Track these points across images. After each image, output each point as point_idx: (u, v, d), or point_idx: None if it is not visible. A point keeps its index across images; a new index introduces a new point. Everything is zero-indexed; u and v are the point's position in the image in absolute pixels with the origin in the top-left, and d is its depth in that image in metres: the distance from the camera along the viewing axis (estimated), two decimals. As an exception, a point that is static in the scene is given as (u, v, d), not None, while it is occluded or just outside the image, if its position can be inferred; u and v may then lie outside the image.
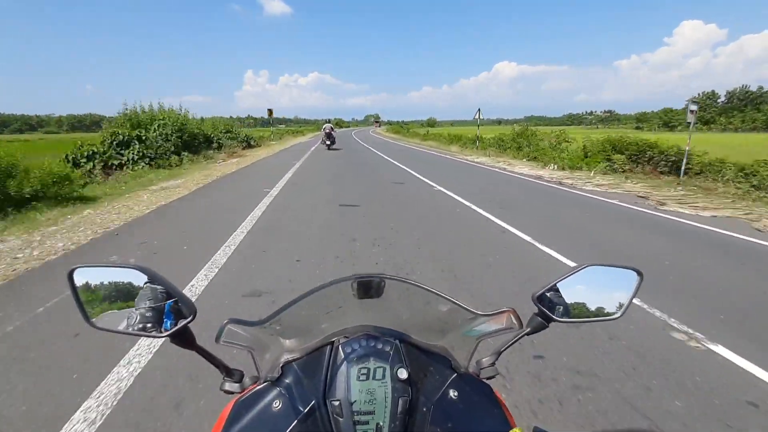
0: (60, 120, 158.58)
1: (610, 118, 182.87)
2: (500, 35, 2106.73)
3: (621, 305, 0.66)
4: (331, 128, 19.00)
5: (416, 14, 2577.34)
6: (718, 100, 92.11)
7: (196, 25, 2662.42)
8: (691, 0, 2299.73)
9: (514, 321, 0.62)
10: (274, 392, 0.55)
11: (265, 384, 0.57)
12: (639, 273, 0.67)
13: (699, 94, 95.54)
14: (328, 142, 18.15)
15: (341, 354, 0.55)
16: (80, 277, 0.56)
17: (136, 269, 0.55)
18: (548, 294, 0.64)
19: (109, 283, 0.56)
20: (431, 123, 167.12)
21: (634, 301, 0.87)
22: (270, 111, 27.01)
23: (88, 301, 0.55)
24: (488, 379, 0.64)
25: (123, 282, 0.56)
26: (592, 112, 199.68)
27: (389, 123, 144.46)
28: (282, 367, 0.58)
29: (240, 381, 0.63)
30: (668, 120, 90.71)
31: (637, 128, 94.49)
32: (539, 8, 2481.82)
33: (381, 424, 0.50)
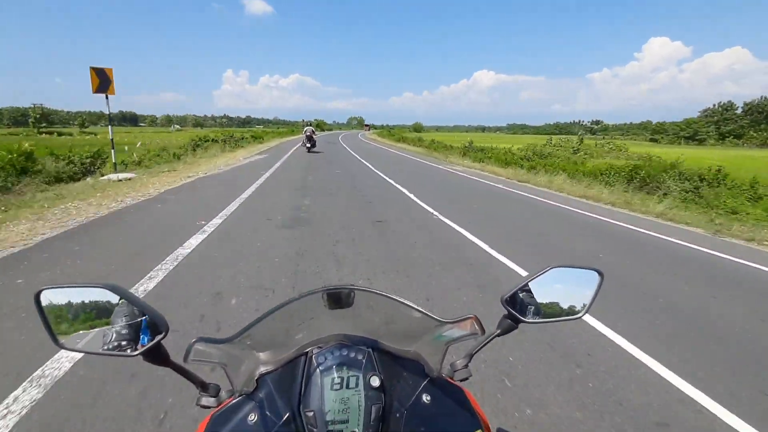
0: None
1: (598, 128, 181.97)
2: (479, 44, 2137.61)
3: (584, 304, 0.69)
4: (312, 131, 19.00)
5: (399, 20, 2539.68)
6: (735, 111, 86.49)
7: (174, 23, 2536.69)
8: (659, 18, 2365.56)
9: (477, 327, 0.64)
10: (250, 405, 0.56)
11: (240, 397, 0.58)
12: (600, 273, 0.70)
13: (714, 105, 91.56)
14: (308, 145, 18.28)
15: (314, 364, 0.56)
16: (48, 299, 0.55)
17: (106, 288, 0.54)
18: (517, 295, 0.66)
19: (78, 302, 0.55)
20: (417, 128, 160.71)
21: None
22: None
23: (56, 322, 0.54)
24: (462, 380, 0.65)
25: (93, 301, 0.54)
26: (580, 122, 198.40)
27: (373, 126, 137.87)
28: (257, 380, 0.58)
29: (216, 395, 0.62)
30: (692, 132, 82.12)
31: (652, 140, 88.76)
32: (517, 19, 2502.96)
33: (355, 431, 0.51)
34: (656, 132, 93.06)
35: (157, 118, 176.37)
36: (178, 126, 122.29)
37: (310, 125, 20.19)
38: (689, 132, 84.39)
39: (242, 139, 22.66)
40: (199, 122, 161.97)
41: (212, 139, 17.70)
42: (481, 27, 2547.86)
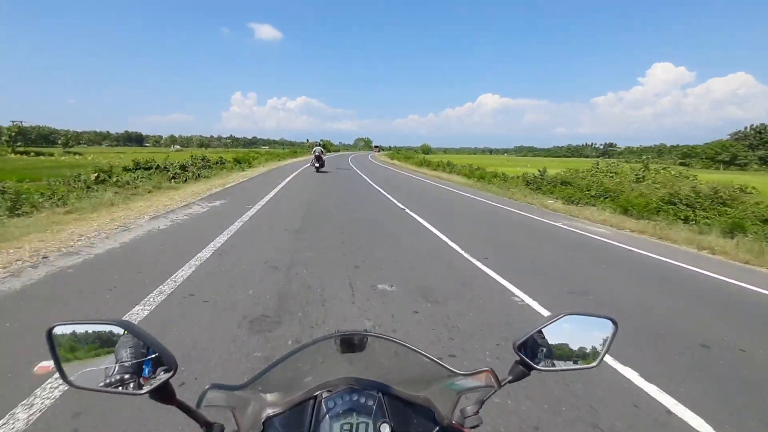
0: None
1: (612, 151, 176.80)
2: (485, 68, 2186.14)
3: (598, 352, 0.67)
4: (321, 151, 19.22)
5: (405, 44, 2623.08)
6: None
7: (184, 46, 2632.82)
8: (663, 44, 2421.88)
9: (492, 380, 0.63)
10: None
11: None
12: (614, 322, 0.68)
13: (747, 128, 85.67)
14: (317, 165, 18.34)
15: (324, 409, 0.55)
16: (60, 334, 0.54)
17: (116, 324, 0.53)
18: (530, 341, 0.64)
19: (89, 339, 0.54)
20: (426, 150, 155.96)
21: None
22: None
23: (67, 358, 0.54)
24: (473, 428, 0.64)
25: (103, 338, 0.54)
26: (592, 144, 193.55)
27: (381, 148, 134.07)
28: (264, 422, 0.57)
29: None
30: (730, 156, 74.66)
31: (682, 164, 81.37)
32: (522, 44, 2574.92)
33: None
34: (686, 155, 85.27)
35: (161, 138, 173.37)
36: (178, 146, 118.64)
37: (319, 145, 20.49)
38: (727, 156, 77.08)
39: (218, 163, 16.30)
40: (204, 142, 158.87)
41: (156, 166, 11.47)
42: (486, 51, 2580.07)
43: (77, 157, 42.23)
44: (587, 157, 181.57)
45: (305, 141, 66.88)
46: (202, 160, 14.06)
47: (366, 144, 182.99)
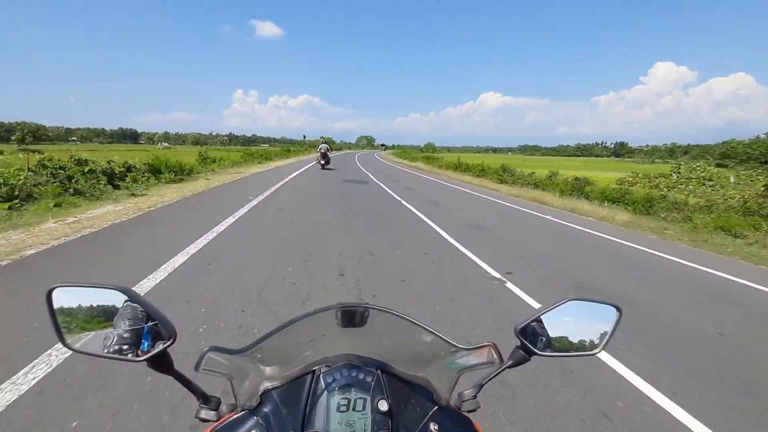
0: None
1: (623, 150, 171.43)
2: (486, 67, 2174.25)
3: (601, 339, 0.67)
4: (327, 148, 19.26)
5: (407, 43, 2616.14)
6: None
7: (185, 44, 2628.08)
8: (665, 43, 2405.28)
9: (495, 356, 0.63)
10: (251, 422, 0.54)
11: (242, 413, 0.56)
12: (618, 309, 0.68)
13: None
14: (322, 162, 18.31)
15: (322, 384, 0.55)
16: (59, 297, 0.54)
17: (117, 290, 0.53)
18: (531, 326, 0.64)
19: (88, 303, 0.54)
20: (430, 148, 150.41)
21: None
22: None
23: (65, 321, 0.54)
24: (470, 412, 0.64)
25: (102, 302, 0.54)
26: (603, 143, 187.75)
27: (386, 146, 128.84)
28: (261, 395, 0.57)
29: (216, 409, 0.60)
30: None
31: (719, 165, 74.01)
32: (524, 43, 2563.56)
33: None
34: (725, 156, 77.07)
35: (154, 135, 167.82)
36: (166, 144, 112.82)
37: (324, 143, 20.80)
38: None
39: (160, 174, 9.68)
40: (200, 140, 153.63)
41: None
42: (488, 50, 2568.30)
43: (36, 154, 37.11)
44: (598, 156, 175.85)
45: (302, 138, 59.48)
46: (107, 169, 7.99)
47: (369, 142, 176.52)
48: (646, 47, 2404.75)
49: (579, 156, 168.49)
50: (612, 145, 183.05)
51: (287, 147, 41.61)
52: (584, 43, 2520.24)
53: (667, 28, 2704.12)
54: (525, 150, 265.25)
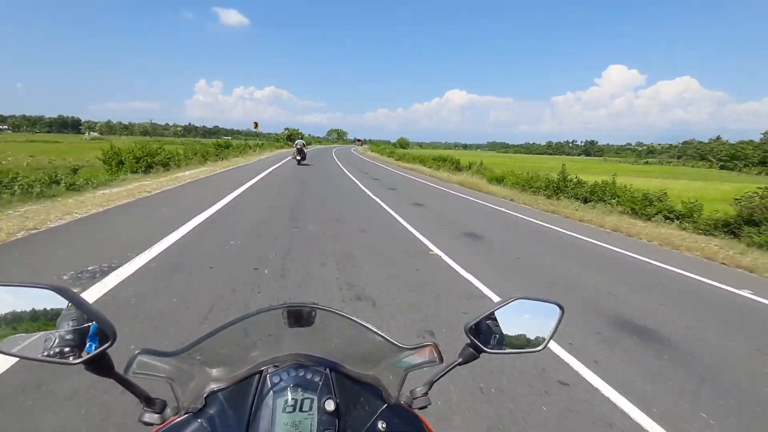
0: None
1: (593, 149, 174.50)
2: (452, 64, 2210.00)
3: (544, 337, 0.69)
4: (303, 144, 20.18)
5: (373, 38, 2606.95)
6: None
7: (144, 31, 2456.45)
8: (617, 47, 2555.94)
9: (435, 355, 0.65)
10: (195, 425, 0.52)
11: (186, 416, 0.54)
12: (561, 308, 0.70)
13: None
14: (298, 158, 19.04)
15: (268, 384, 0.54)
16: None
17: (53, 290, 0.50)
18: (481, 324, 0.66)
19: (21, 303, 0.51)
20: (403, 144, 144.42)
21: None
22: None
23: None
24: (421, 408, 0.64)
25: (36, 302, 0.51)
26: (573, 142, 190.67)
27: (363, 141, 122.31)
28: (206, 397, 0.55)
29: (161, 412, 0.58)
30: None
31: (723, 168, 69.40)
32: (487, 41, 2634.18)
33: None
34: (734, 157, 72.41)
35: (95, 124, 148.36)
36: (95, 133, 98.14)
37: (301, 138, 24.98)
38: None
39: None
40: (149, 130, 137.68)
41: None
42: (453, 47, 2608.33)
43: None
44: (568, 154, 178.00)
45: (274, 133, 50.59)
46: None
47: (339, 136, 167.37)
48: (600, 50, 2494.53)
49: (551, 154, 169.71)
50: (582, 144, 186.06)
51: (227, 141, 29.04)
52: (544, 43, 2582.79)
53: (620, 32, 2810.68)
54: (494, 147, 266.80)
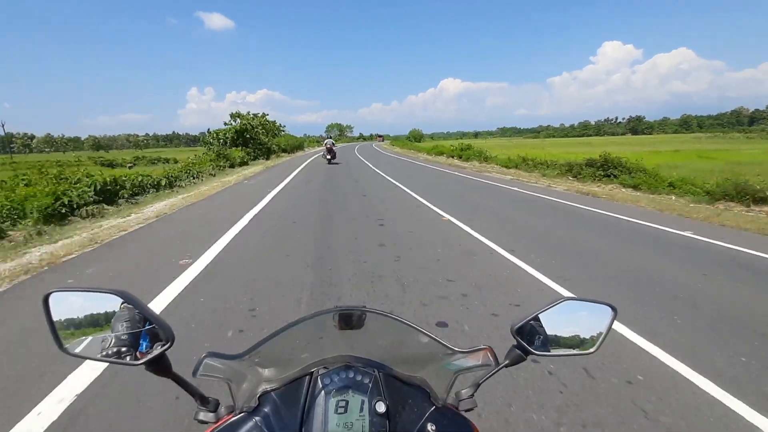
0: None
1: (640, 126, 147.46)
2: (444, 53, 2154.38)
3: (596, 339, 0.68)
4: (332, 143, 20.04)
5: (364, 31, 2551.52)
6: None
7: (130, 41, 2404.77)
8: (611, 22, 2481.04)
9: (491, 358, 0.64)
10: (250, 423, 0.54)
11: (241, 415, 0.56)
12: (614, 309, 0.68)
13: None
14: (328, 157, 18.83)
15: (319, 385, 0.55)
16: (56, 301, 0.54)
17: (114, 293, 0.53)
18: (528, 326, 0.65)
19: (86, 307, 0.55)
20: (417, 136, 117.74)
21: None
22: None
23: (63, 326, 0.54)
24: (467, 411, 0.64)
25: (99, 306, 0.54)
26: (615, 120, 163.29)
27: (381, 137, 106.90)
28: (259, 397, 0.57)
29: (215, 410, 0.61)
30: None
31: None
32: (477, 26, 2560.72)
33: None
34: None
35: (33, 138, 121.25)
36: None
37: (330, 138, 22.85)
38: None
39: None
40: (100, 143, 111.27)
41: None
42: (444, 35, 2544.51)
43: None
44: (613, 134, 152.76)
45: (207, 133, 22.29)
46: None
47: (342, 132, 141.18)
48: (595, 27, 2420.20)
49: (589, 135, 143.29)
50: (624, 121, 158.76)
51: (179, 150, 18.57)
52: (536, 23, 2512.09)
53: (613, 8, 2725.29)
54: (505, 133, 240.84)
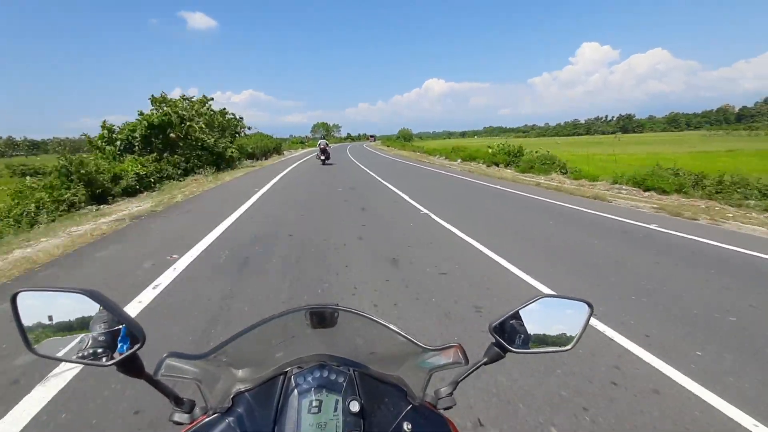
0: None
1: (631, 124, 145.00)
2: (428, 53, 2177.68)
3: (573, 335, 0.68)
4: (326, 144, 19.85)
5: (350, 31, 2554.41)
6: None
7: (112, 41, 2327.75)
8: (589, 24, 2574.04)
9: (461, 356, 0.64)
10: (223, 424, 0.54)
11: (214, 416, 0.56)
12: (590, 305, 0.68)
13: None
14: (322, 158, 18.75)
15: (293, 385, 0.55)
16: (24, 301, 0.53)
17: (84, 294, 0.52)
18: (506, 323, 0.65)
19: (55, 307, 0.54)
20: (406, 136, 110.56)
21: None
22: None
23: (31, 326, 0.53)
24: (446, 409, 0.64)
25: (69, 306, 0.53)
26: (605, 118, 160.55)
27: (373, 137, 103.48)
28: (232, 398, 0.57)
29: (190, 412, 0.60)
30: None
31: None
32: (461, 27, 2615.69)
33: None
34: None
35: None
36: None
37: (324, 139, 22.61)
38: None
39: None
40: (66, 146, 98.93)
41: None
42: (428, 35, 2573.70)
43: None
44: (603, 133, 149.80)
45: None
46: None
47: (329, 133, 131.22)
48: (574, 28, 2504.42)
49: (579, 135, 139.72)
50: (613, 119, 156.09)
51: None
52: (518, 25, 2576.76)
53: (590, 9, 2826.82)
54: (492, 132, 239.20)
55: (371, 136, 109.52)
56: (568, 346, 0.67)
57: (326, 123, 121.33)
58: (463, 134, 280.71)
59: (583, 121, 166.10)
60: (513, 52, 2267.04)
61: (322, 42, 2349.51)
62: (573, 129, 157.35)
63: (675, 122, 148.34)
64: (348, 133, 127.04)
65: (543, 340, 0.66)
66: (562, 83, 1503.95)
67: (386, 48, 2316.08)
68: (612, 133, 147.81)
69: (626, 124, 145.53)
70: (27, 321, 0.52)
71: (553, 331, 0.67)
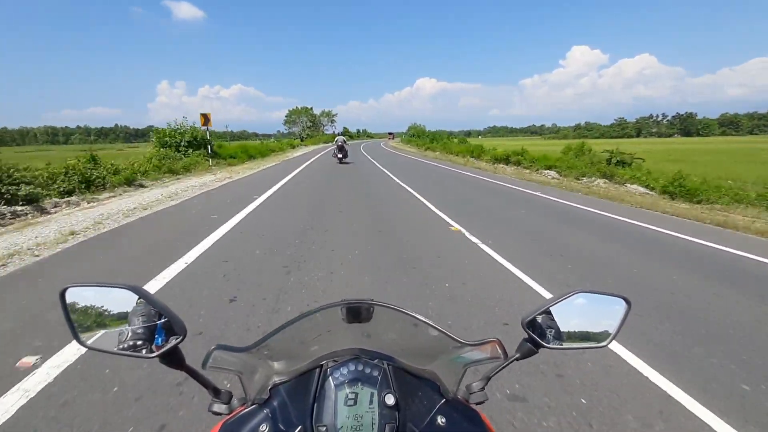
0: None
1: (696, 123, 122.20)
2: (420, 52, 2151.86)
3: (609, 331, 0.68)
4: (344, 141, 19.65)
5: (342, 28, 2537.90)
6: None
7: (93, 32, 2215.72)
8: (579, 28, 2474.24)
9: (499, 351, 0.65)
10: (261, 415, 0.57)
11: (252, 407, 0.59)
12: (627, 301, 0.69)
13: None
14: (339, 155, 18.53)
15: (329, 378, 0.57)
16: (72, 296, 0.58)
17: (128, 289, 0.56)
18: (539, 319, 0.66)
19: (101, 301, 0.58)
20: (419, 134, 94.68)
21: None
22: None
23: (79, 320, 0.58)
24: (478, 404, 0.66)
25: (115, 301, 0.57)
26: (658, 117, 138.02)
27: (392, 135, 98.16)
28: (270, 389, 0.60)
29: (228, 402, 0.64)
30: None
31: None
32: (453, 27, 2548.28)
33: None
34: None
35: None
36: None
37: (342, 135, 21.44)
38: None
39: None
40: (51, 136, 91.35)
41: None
42: (420, 35, 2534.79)
43: None
44: (659, 135, 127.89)
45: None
46: None
47: (314, 125, 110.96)
48: (565, 31, 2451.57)
49: (618, 137, 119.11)
50: (669, 119, 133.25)
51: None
52: (510, 26, 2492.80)
53: (582, 13, 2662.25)
54: (497, 132, 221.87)
55: (390, 134, 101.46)
56: (604, 343, 0.67)
57: (308, 108, 75.64)
58: (468, 134, 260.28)
59: (633, 121, 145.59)
60: (506, 53, 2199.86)
61: (314, 39, 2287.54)
62: (622, 130, 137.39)
63: (734, 124, 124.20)
64: (391, 132, 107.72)
65: (577, 336, 0.66)
66: (553, 85, 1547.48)
67: (379, 46, 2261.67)
68: (669, 135, 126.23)
69: (687, 125, 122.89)
70: (75, 315, 0.57)
71: (587, 327, 0.66)
